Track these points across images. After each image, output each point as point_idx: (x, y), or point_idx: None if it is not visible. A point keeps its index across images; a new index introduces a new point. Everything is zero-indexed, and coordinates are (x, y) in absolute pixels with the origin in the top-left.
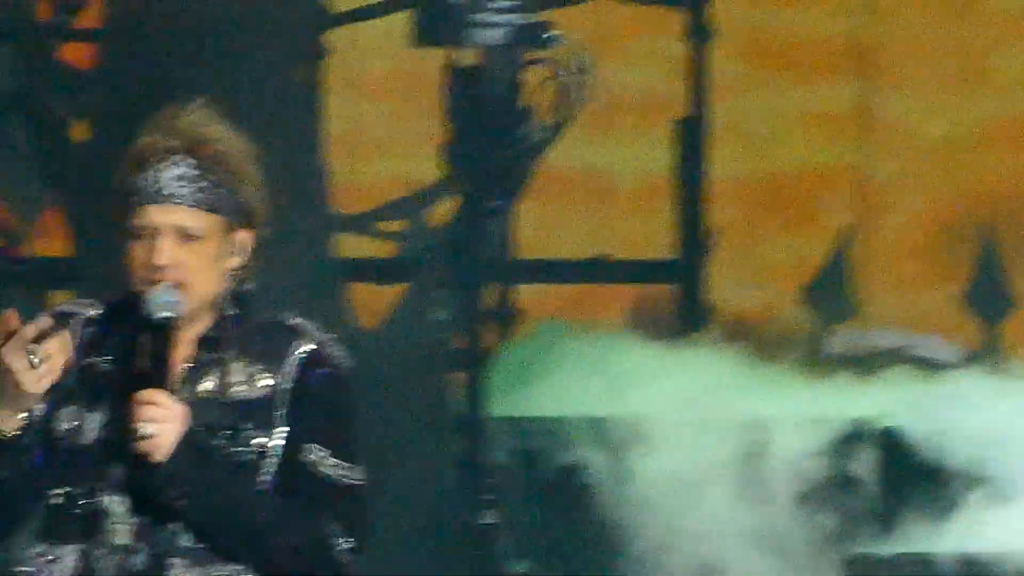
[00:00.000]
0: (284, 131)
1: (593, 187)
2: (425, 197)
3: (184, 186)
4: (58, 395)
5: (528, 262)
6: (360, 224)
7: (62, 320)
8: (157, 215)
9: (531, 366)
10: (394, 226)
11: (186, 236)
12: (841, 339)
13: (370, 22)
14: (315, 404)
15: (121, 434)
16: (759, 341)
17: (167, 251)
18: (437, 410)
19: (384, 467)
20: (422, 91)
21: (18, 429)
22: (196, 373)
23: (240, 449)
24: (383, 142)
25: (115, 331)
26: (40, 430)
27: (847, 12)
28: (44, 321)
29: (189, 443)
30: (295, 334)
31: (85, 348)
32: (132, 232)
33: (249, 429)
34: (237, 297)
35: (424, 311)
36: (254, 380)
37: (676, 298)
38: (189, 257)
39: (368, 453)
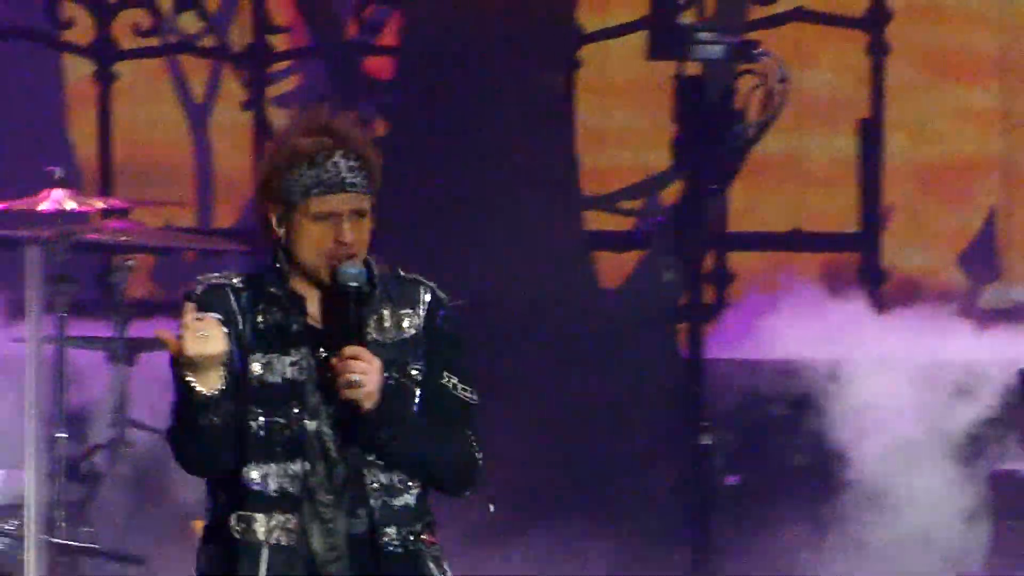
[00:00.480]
0: (543, 128)
1: (791, 173)
2: (657, 181)
3: (355, 176)
4: (241, 349)
5: (739, 234)
6: (604, 203)
7: (215, 292)
8: (340, 203)
9: (743, 318)
10: (631, 205)
11: (358, 216)
12: (991, 295)
13: (613, 40)
14: (443, 340)
15: (315, 375)
16: (926, 297)
17: (350, 231)
18: (667, 354)
19: (622, 399)
20: (655, 96)
21: (219, 386)
22: (362, 318)
23: (406, 382)
24: (623, 137)
25: (265, 296)
26: (233, 377)
27: (996, 30)
28: (192, 304)
29: (384, 388)
30: (417, 284)
31: (242, 310)
32: (314, 216)
33: (408, 364)
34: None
35: (656, 274)
36: (401, 324)
37: (859, 263)
38: (360, 233)
39: (610, 387)
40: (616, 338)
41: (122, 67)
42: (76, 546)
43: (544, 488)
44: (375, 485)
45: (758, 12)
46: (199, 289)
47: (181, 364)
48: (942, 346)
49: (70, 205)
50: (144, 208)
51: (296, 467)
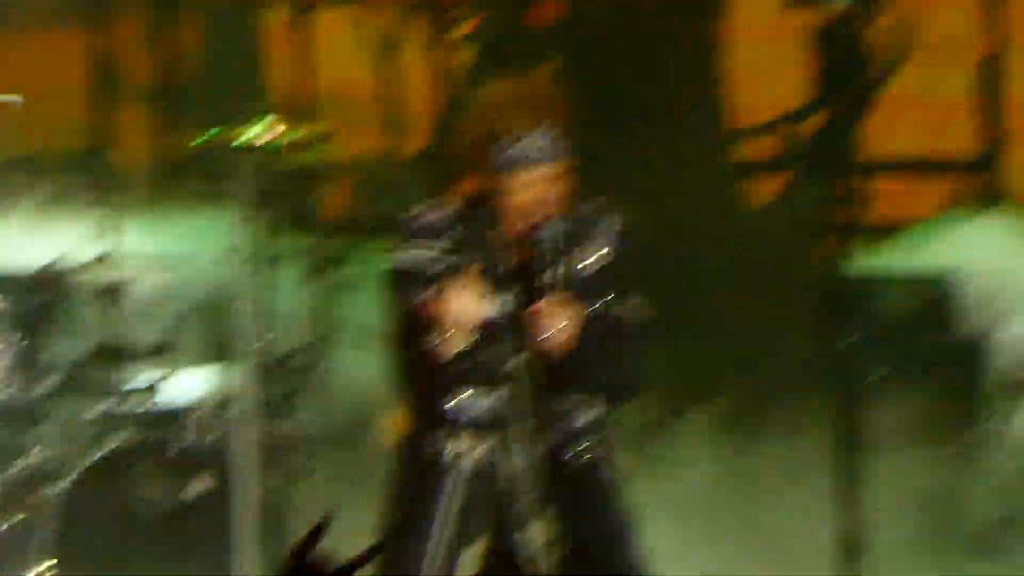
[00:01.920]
0: (692, 68)
1: (919, 106)
2: (798, 114)
3: (556, 147)
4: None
5: (871, 162)
6: (748, 135)
7: (431, 223)
8: (545, 170)
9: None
10: (773, 136)
11: (555, 180)
12: None
13: None
14: (624, 265)
15: (523, 321)
16: None
17: (549, 195)
18: (806, 266)
19: (767, 314)
20: (798, 39)
21: (459, 348)
22: (557, 262)
23: (597, 312)
24: (765, 74)
25: (476, 234)
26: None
27: None
28: (475, 267)
29: (576, 334)
30: (601, 213)
31: (456, 244)
32: (515, 186)
33: (598, 295)
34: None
35: (798, 197)
36: (592, 257)
37: (982, 186)
38: (559, 193)
39: (754, 304)
40: (760, 257)
41: (316, 8)
42: (283, 435)
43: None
44: (566, 408)
45: None
46: (417, 218)
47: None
48: None
49: (273, 133)
50: (341, 135)
51: (496, 394)
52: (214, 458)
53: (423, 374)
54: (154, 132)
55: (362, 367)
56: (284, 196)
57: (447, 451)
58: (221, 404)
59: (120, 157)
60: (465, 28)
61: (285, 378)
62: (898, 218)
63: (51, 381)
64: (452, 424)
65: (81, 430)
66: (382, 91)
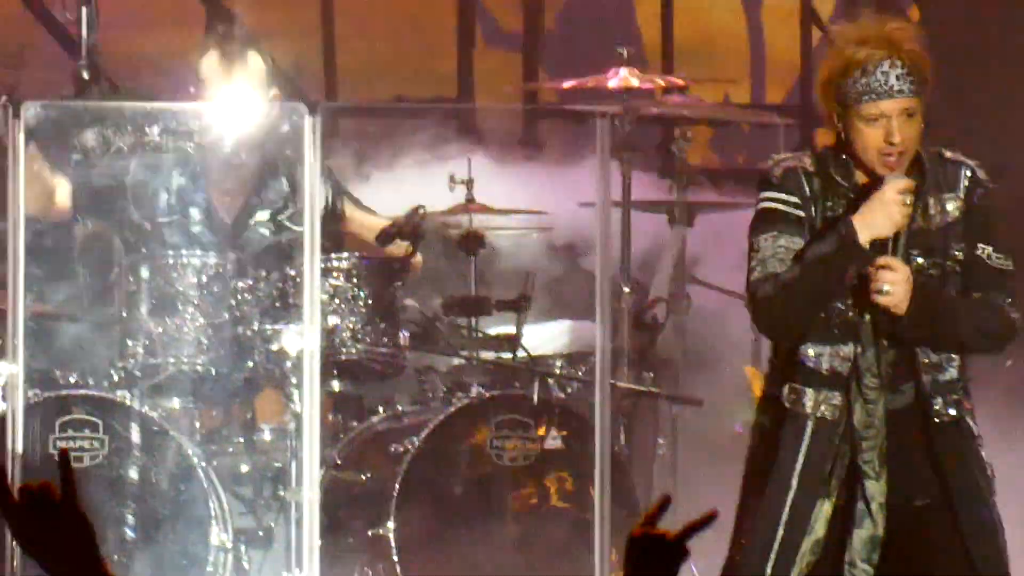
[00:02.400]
0: None
1: None
2: None
3: (903, 83)
4: (812, 234)
5: None
6: None
7: (791, 174)
8: (889, 107)
9: None
10: None
11: (907, 116)
12: None
13: None
14: (979, 215)
15: (868, 276)
16: None
17: (898, 132)
18: None
19: None
20: None
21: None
22: (911, 209)
23: (948, 263)
24: None
25: (833, 184)
26: None
27: None
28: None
29: (918, 293)
30: (959, 165)
31: (814, 196)
32: (866, 119)
33: (950, 248)
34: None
35: None
36: (945, 208)
37: None
38: (910, 131)
39: None
40: None
41: None
42: (638, 389)
43: None
44: (924, 361)
45: None
46: (776, 171)
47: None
48: None
49: (635, 82)
50: (702, 84)
51: (847, 349)
52: (570, 412)
53: (815, 311)
54: (519, 79)
55: (722, 321)
56: (647, 145)
57: (795, 403)
58: (577, 358)
59: (485, 105)
60: None
61: (642, 332)
62: None
63: (407, 333)
64: (804, 376)
65: (436, 383)
66: (747, 38)
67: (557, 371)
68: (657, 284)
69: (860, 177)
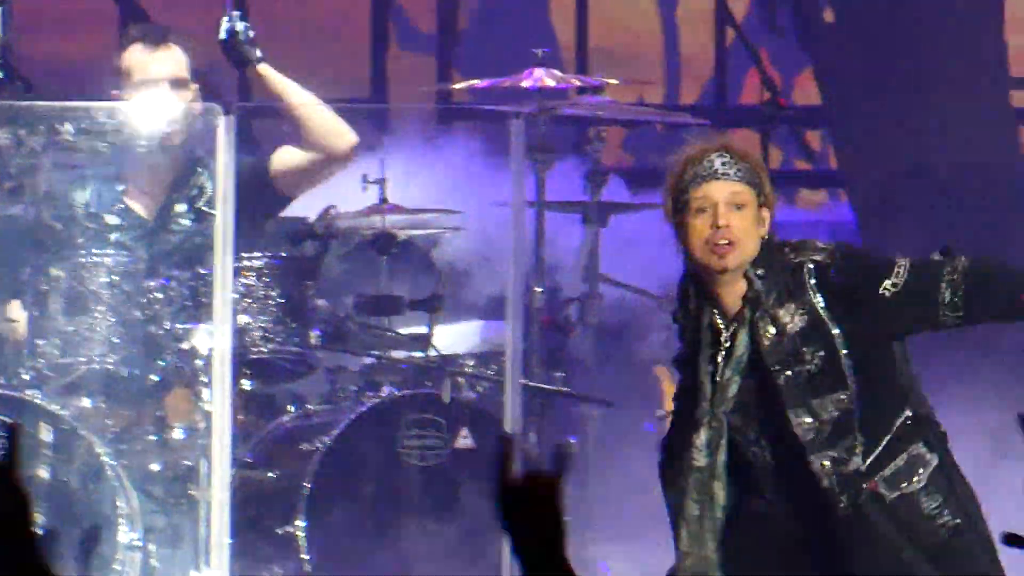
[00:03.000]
0: (974, 16)
1: None
2: None
3: (729, 167)
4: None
5: None
6: None
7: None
8: (715, 187)
9: None
10: None
11: (736, 208)
12: None
13: None
14: (851, 279)
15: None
16: None
17: (725, 216)
18: None
19: None
20: None
21: None
22: (756, 328)
23: (808, 367)
24: None
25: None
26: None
27: None
28: None
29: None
30: (801, 266)
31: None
32: (696, 210)
33: (809, 350)
34: (760, 260)
35: None
36: (795, 315)
37: None
38: (739, 222)
39: None
40: None
41: None
42: (550, 389)
43: None
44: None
45: None
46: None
47: None
48: None
49: (550, 82)
50: (617, 85)
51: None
52: (481, 412)
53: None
54: (433, 80)
55: (634, 320)
56: (558, 146)
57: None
58: (488, 358)
59: (398, 106)
60: None
61: (554, 331)
62: None
63: (318, 333)
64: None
65: (347, 383)
66: (661, 39)
67: (468, 371)
68: (570, 284)
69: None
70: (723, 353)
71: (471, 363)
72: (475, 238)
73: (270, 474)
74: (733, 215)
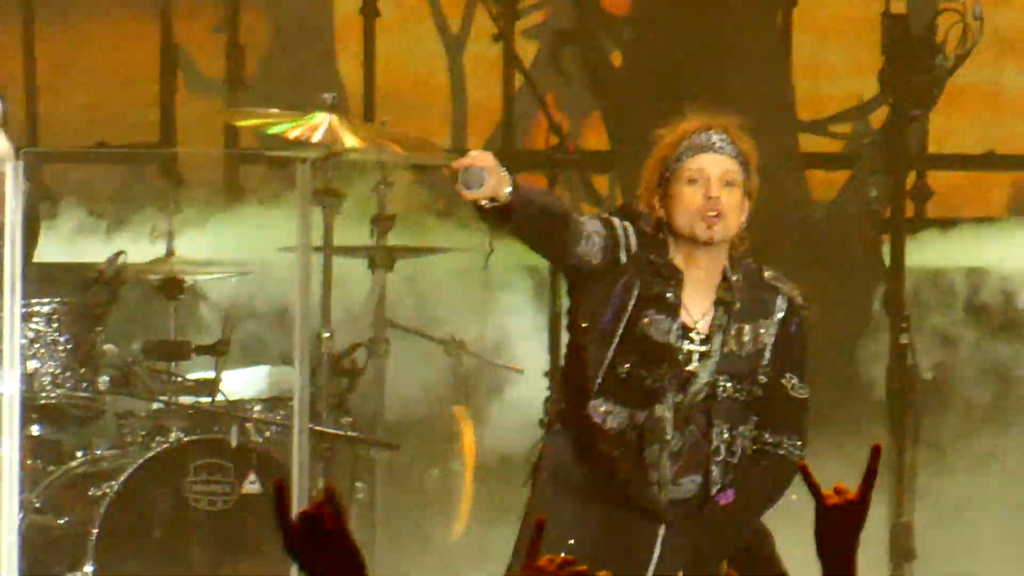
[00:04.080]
0: (763, 60)
1: (986, 100)
2: (865, 108)
3: (724, 142)
4: (626, 297)
5: (937, 155)
6: (817, 127)
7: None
8: (710, 160)
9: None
10: (841, 129)
11: (728, 184)
12: None
13: None
14: (792, 343)
15: (680, 347)
16: None
17: (717, 189)
18: (872, 259)
19: (829, 299)
20: (864, 31)
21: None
22: (724, 334)
23: (754, 388)
24: (834, 68)
25: (647, 261)
26: (614, 311)
27: None
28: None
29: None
30: (776, 292)
31: (632, 263)
32: (688, 180)
33: (756, 374)
34: (737, 263)
35: (863, 190)
36: (758, 335)
37: None
38: (730, 199)
39: (817, 289)
40: (825, 246)
41: (384, 3)
42: (336, 433)
43: None
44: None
45: None
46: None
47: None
48: None
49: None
50: (404, 129)
51: (640, 417)
52: (268, 457)
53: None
54: (221, 125)
55: (422, 364)
56: (347, 191)
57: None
58: (276, 403)
59: (187, 151)
60: (534, 18)
61: (341, 376)
62: (962, 213)
63: (106, 378)
64: (592, 428)
65: (135, 427)
66: (449, 85)
67: (256, 416)
68: (357, 328)
69: (677, 258)
70: (697, 356)
71: (258, 408)
72: (263, 282)
73: (59, 520)
74: (724, 190)
